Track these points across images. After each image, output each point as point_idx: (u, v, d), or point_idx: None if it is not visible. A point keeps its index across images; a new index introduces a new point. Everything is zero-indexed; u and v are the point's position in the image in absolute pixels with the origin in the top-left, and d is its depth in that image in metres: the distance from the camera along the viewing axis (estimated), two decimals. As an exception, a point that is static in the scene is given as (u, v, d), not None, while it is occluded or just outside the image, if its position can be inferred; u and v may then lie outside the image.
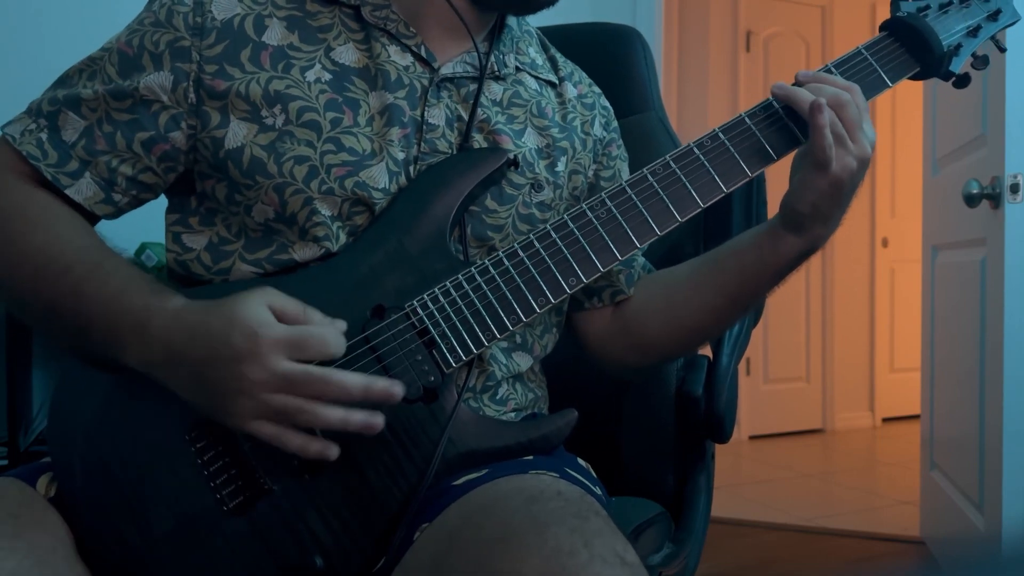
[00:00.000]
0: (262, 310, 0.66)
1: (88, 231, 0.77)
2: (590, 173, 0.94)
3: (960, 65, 0.85)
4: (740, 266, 0.85)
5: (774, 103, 0.81)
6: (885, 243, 4.40)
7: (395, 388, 0.67)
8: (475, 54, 0.85)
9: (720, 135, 0.81)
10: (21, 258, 0.74)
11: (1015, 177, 1.85)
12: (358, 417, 0.66)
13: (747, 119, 0.81)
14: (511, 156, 0.83)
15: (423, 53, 0.83)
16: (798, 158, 0.81)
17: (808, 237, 0.81)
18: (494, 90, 0.86)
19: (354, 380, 0.65)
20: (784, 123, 0.80)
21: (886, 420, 4.44)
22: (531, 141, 0.87)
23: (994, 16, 0.86)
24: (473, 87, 0.84)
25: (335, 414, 0.65)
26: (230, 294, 0.70)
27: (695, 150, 0.81)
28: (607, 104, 0.99)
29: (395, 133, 0.80)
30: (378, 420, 0.67)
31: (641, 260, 0.96)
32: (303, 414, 0.65)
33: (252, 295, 0.67)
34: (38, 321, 0.78)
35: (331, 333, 0.66)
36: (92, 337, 0.72)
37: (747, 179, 0.80)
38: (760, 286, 0.85)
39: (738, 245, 0.86)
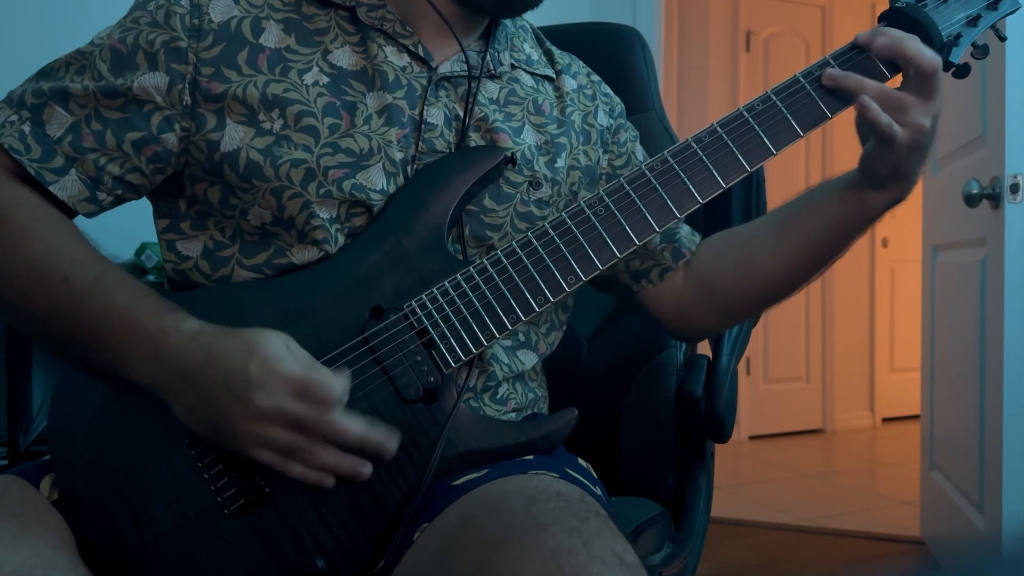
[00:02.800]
0: (281, 346, 0.67)
1: (79, 237, 0.75)
2: (604, 164, 0.94)
3: (960, 55, 0.84)
4: (824, 225, 0.85)
5: (771, 95, 0.81)
6: (885, 243, 4.40)
7: (390, 445, 0.70)
8: (471, 52, 0.85)
9: (718, 130, 0.80)
10: (12, 267, 0.72)
11: (1015, 177, 1.85)
12: (347, 464, 0.69)
13: (745, 113, 0.81)
14: (508, 154, 0.83)
15: (420, 52, 0.82)
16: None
17: (892, 193, 0.81)
18: (490, 89, 0.86)
19: (355, 428, 0.68)
20: (783, 116, 0.80)
21: (886, 420, 4.44)
22: (530, 138, 0.87)
23: (994, 5, 0.84)
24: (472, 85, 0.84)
25: (329, 458, 0.68)
26: (231, 298, 0.72)
27: (693, 145, 0.80)
28: (608, 91, 0.98)
29: (394, 134, 0.79)
30: (366, 470, 0.70)
31: (685, 229, 0.95)
32: (303, 452, 0.68)
33: (273, 332, 0.68)
34: (31, 330, 0.76)
35: (338, 383, 0.67)
36: (93, 353, 0.71)
37: (745, 174, 0.80)
38: (846, 241, 0.85)
39: (817, 204, 0.85)
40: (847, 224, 0.84)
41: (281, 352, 0.67)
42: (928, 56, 0.76)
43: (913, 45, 0.77)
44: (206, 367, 0.67)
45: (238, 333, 0.68)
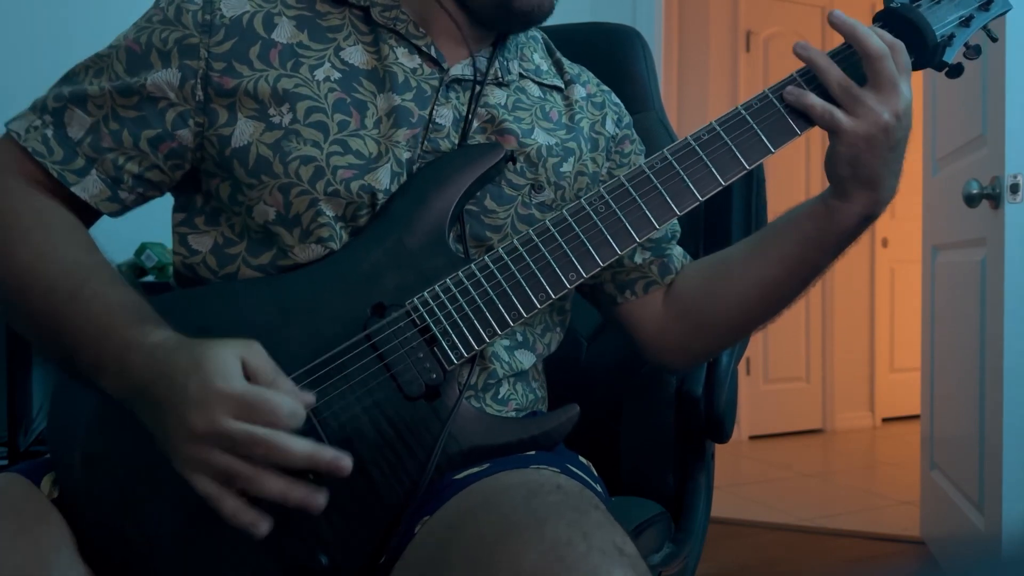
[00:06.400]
0: (230, 362, 0.62)
1: (77, 242, 0.75)
2: (604, 171, 0.94)
3: (953, 55, 0.85)
4: (799, 236, 0.83)
5: (769, 95, 0.81)
6: (885, 243, 4.40)
7: (343, 462, 0.63)
8: (482, 57, 0.86)
9: (717, 128, 0.81)
10: (6, 271, 0.72)
11: (1015, 177, 1.85)
12: (297, 494, 0.62)
13: (743, 111, 0.81)
14: (508, 152, 0.83)
15: (433, 53, 0.83)
16: None
17: (860, 203, 0.79)
18: (498, 95, 0.86)
19: (298, 447, 0.61)
20: (782, 115, 0.80)
21: (886, 420, 4.44)
22: (541, 138, 0.87)
23: (986, 6, 0.86)
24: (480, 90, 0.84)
25: (275, 486, 0.62)
26: (232, 295, 0.71)
27: (692, 143, 0.80)
28: (617, 100, 0.98)
29: (402, 134, 0.80)
30: (319, 499, 0.63)
31: (678, 250, 0.95)
32: (241, 479, 0.61)
33: (231, 344, 0.64)
34: (28, 337, 0.76)
35: (286, 403, 0.61)
36: (76, 363, 0.70)
37: (744, 171, 0.80)
38: (822, 256, 0.83)
39: (794, 215, 0.85)
40: (821, 237, 0.82)
41: (225, 368, 0.62)
42: (874, 42, 0.75)
43: (863, 28, 0.76)
44: (153, 384, 0.64)
45: (190, 347, 0.64)
